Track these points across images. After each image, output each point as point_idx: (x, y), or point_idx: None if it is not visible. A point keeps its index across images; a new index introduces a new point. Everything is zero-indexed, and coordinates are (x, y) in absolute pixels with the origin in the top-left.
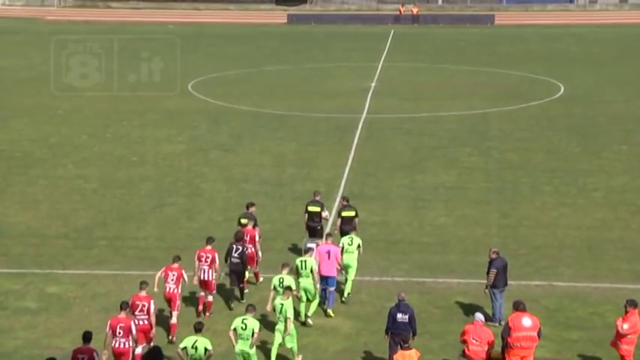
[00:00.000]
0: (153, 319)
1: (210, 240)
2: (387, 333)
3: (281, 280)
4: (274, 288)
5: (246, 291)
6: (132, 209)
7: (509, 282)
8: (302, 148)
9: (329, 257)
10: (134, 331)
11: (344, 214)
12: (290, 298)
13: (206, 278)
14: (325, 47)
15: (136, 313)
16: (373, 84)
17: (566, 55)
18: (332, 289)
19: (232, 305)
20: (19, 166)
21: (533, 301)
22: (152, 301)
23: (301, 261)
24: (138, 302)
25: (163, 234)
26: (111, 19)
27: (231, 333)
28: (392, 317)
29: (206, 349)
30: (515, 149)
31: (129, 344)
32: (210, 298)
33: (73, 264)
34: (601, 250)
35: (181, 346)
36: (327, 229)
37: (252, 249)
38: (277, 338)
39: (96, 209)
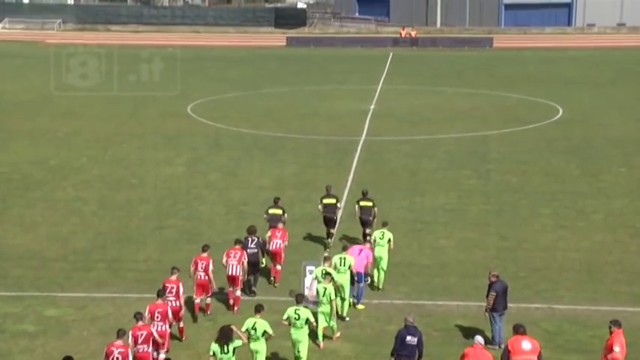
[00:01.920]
0: (182, 301)
1: (238, 241)
2: (392, 355)
3: (323, 272)
4: (316, 277)
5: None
6: (131, 231)
7: (508, 305)
8: (301, 170)
9: (359, 254)
10: (156, 336)
11: (362, 203)
12: (331, 282)
13: (235, 273)
14: (324, 70)
15: (166, 294)
16: (372, 106)
17: (565, 78)
18: (361, 284)
19: (247, 291)
20: (18, 189)
21: (533, 324)
22: (180, 284)
23: (340, 258)
24: (168, 284)
25: (163, 256)
26: (111, 42)
27: (242, 335)
28: (400, 339)
29: (265, 332)
30: (514, 172)
31: (150, 349)
32: (238, 292)
33: (71, 287)
34: (601, 273)
35: (243, 328)
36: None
37: (282, 244)
38: (321, 321)
39: (95, 231)
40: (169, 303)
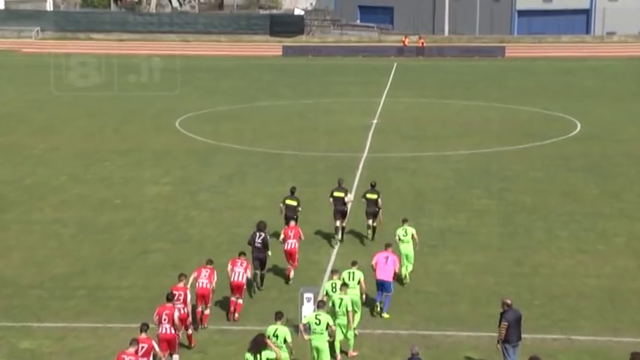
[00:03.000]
0: (189, 308)
1: (242, 254)
2: None
3: (333, 285)
4: (327, 293)
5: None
6: (114, 256)
7: (523, 336)
8: (298, 189)
9: (386, 262)
10: (157, 350)
11: (368, 196)
12: (347, 293)
13: (240, 280)
14: (323, 81)
15: (174, 301)
16: (375, 120)
17: (583, 90)
18: (388, 294)
19: (252, 293)
20: None
21: (550, 356)
22: (187, 291)
23: (349, 272)
24: (175, 292)
25: (148, 283)
26: (93, 51)
27: (276, 349)
28: None
29: (285, 340)
30: (529, 191)
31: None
32: (240, 300)
33: (48, 316)
34: (623, 301)
35: (267, 334)
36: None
37: (297, 244)
38: (338, 333)
39: (74, 256)
40: (177, 309)
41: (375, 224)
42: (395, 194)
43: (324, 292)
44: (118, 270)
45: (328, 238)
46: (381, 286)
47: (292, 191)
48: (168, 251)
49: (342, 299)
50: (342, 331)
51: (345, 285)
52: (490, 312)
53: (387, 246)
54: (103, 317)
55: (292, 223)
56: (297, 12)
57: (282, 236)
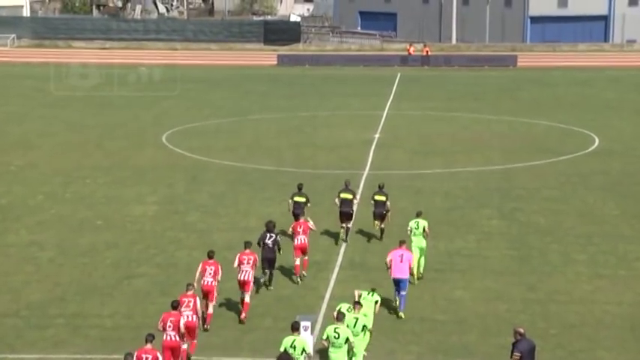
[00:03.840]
0: (199, 315)
1: (248, 244)
2: None
3: (349, 310)
4: (339, 312)
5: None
6: (95, 281)
7: None
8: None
9: (402, 260)
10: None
11: (377, 197)
12: (361, 312)
13: (247, 278)
14: (321, 93)
15: (183, 308)
16: (377, 135)
17: (601, 102)
18: (404, 292)
19: (259, 290)
20: None
21: None
22: (197, 299)
23: (362, 294)
24: (185, 299)
25: (132, 311)
26: (73, 60)
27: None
28: None
29: (304, 350)
30: (543, 211)
31: None
32: (247, 298)
33: (24, 347)
34: None
35: (281, 347)
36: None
37: (307, 239)
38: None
39: (52, 282)
40: (186, 317)
41: (383, 226)
42: (399, 214)
43: (338, 311)
44: (100, 296)
45: (327, 261)
46: (397, 284)
47: (300, 187)
48: (154, 276)
49: (356, 319)
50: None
51: (358, 304)
52: (501, 342)
53: (402, 243)
54: (83, 348)
55: (302, 218)
56: (293, 18)
57: (290, 230)
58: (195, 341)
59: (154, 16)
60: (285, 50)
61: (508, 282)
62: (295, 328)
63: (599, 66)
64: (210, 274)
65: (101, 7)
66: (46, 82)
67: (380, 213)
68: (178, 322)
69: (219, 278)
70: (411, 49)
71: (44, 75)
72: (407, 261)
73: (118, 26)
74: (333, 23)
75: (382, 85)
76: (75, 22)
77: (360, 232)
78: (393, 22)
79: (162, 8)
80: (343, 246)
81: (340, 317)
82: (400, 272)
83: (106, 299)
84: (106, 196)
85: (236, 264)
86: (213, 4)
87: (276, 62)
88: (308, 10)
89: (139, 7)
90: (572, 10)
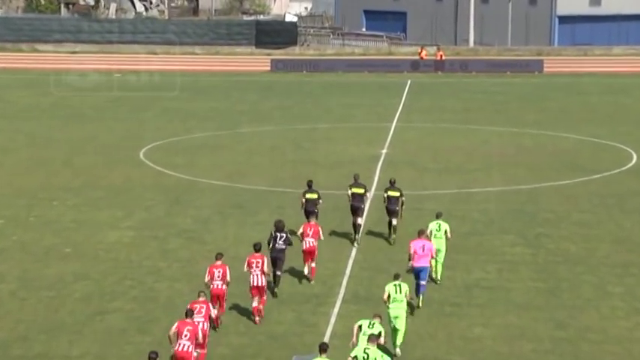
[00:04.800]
0: (228, 282)
1: (257, 246)
2: None
3: (371, 324)
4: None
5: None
6: (63, 318)
7: None
8: (291, 235)
9: (424, 250)
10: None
11: (390, 193)
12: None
13: (260, 284)
14: (321, 102)
15: (195, 314)
16: (384, 151)
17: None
18: (424, 282)
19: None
20: None
21: None
22: (210, 305)
23: (395, 285)
24: (196, 305)
25: (105, 351)
26: (39, 65)
27: None
28: None
29: None
30: (574, 237)
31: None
32: (264, 298)
33: None
34: None
35: None
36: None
37: (315, 242)
38: None
39: (14, 318)
40: (198, 324)
41: (395, 223)
42: (408, 239)
43: (358, 328)
44: (68, 335)
45: (327, 294)
46: (418, 274)
47: (309, 184)
48: (130, 312)
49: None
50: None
51: (374, 336)
52: None
53: (421, 233)
54: None
55: (313, 220)
56: (289, 18)
57: (300, 231)
58: (205, 351)
59: (131, 15)
60: (279, 54)
61: (534, 318)
62: (323, 349)
63: (637, 72)
64: (218, 277)
65: (70, 6)
66: (7, 90)
67: (393, 209)
68: (196, 331)
69: (229, 280)
70: (423, 53)
71: (4, 83)
72: (428, 251)
73: (89, 27)
74: (335, 24)
75: (390, 94)
76: (40, 23)
77: (366, 260)
78: (402, 22)
79: (140, 7)
80: (346, 277)
81: (373, 339)
82: (422, 261)
83: (75, 338)
84: (76, 220)
85: (246, 268)
86: (197, 2)
87: (269, 68)
88: (306, 8)
89: (113, 6)
90: (606, 8)
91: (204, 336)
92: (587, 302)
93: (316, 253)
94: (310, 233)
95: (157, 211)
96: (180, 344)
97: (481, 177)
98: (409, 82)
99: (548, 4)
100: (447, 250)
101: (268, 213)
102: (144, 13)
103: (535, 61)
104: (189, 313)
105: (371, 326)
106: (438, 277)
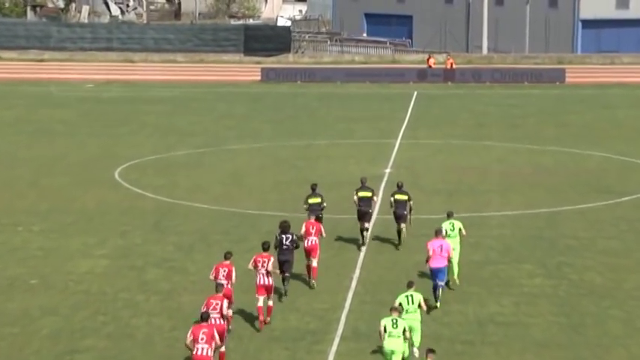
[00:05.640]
0: (232, 282)
1: (266, 244)
2: None
3: (394, 321)
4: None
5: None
6: (27, 357)
7: None
8: (274, 282)
9: (441, 251)
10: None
11: (397, 196)
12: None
13: (267, 283)
14: (317, 116)
15: (210, 311)
16: (388, 170)
17: None
18: (442, 283)
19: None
20: None
21: None
22: (226, 301)
23: (407, 296)
24: (212, 301)
25: None
26: (2, 75)
27: None
28: None
29: None
30: (599, 267)
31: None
32: (270, 302)
33: None
34: None
35: None
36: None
37: (317, 241)
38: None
39: None
40: (214, 321)
41: (403, 228)
42: (416, 270)
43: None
44: None
45: (324, 330)
46: (436, 274)
47: (314, 188)
48: (103, 350)
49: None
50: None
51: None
52: None
53: (438, 232)
54: None
55: (313, 218)
56: (282, 22)
57: (302, 229)
58: (224, 349)
59: (105, 19)
60: (270, 63)
61: (555, 357)
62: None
63: None
64: (223, 276)
65: (38, 9)
66: None
67: (401, 214)
68: (212, 332)
69: (234, 281)
70: (431, 61)
71: None
72: (446, 251)
73: (59, 32)
74: (332, 28)
75: (394, 107)
76: (4, 28)
77: (367, 291)
78: (407, 26)
79: (115, 10)
80: (345, 311)
81: (396, 309)
82: (439, 262)
83: None
84: (43, 247)
85: (251, 266)
86: (180, 4)
87: (259, 78)
88: (300, 11)
89: (85, 9)
90: (634, 12)
91: (221, 332)
92: (615, 340)
93: (318, 251)
94: (313, 231)
95: (134, 237)
96: (197, 348)
97: (496, 199)
98: (415, 93)
99: (571, 6)
100: (461, 251)
101: (258, 239)
102: (120, 17)
103: (556, 70)
104: (204, 317)
105: (395, 326)
106: (455, 278)
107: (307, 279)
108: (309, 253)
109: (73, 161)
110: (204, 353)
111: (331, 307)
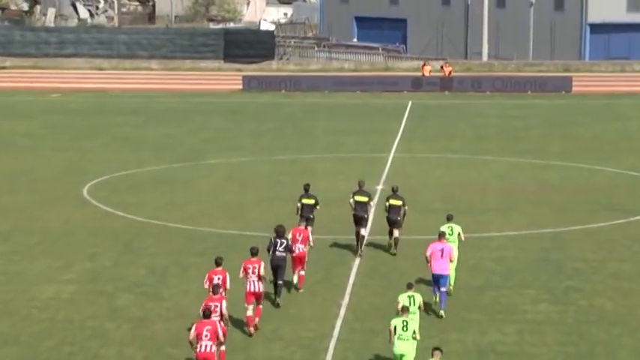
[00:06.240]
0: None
1: (255, 249)
2: None
3: (405, 323)
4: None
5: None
6: None
7: None
8: (267, 288)
9: (442, 255)
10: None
11: (392, 201)
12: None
13: (257, 290)
14: (303, 128)
15: (213, 284)
16: (380, 187)
17: None
18: (444, 289)
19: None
20: None
21: None
22: (224, 301)
23: (409, 296)
24: (211, 303)
25: None
26: None
27: None
28: None
29: None
30: (610, 291)
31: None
32: (260, 305)
33: None
34: None
35: None
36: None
37: (305, 248)
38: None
39: None
40: (215, 322)
41: (397, 235)
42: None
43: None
44: None
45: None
46: (437, 280)
47: (306, 188)
48: None
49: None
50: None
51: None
52: None
53: (441, 235)
54: None
55: (302, 225)
56: (265, 26)
57: (289, 237)
58: (224, 348)
59: (73, 23)
60: (253, 70)
61: None
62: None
63: None
64: (218, 284)
65: (0, 12)
66: None
67: (395, 220)
68: (216, 330)
69: (228, 288)
70: (427, 69)
71: None
72: (447, 255)
73: (22, 37)
74: (320, 33)
75: (387, 118)
76: None
77: (357, 318)
78: (401, 31)
79: (83, 12)
80: (333, 340)
81: (405, 310)
82: (441, 268)
83: None
84: (4, 271)
85: (241, 274)
86: (154, 6)
87: (240, 86)
88: (285, 15)
89: (51, 11)
90: None
91: (223, 333)
92: None
93: (306, 259)
94: (300, 239)
95: (104, 260)
96: (201, 345)
97: (497, 219)
98: (410, 103)
99: (578, 9)
100: (459, 256)
101: (238, 262)
102: (88, 20)
103: (562, 78)
104: (207, 313)
105: (405, 328)
106: (451, 284)
107: (295, 289)
108: (297, 261)
109: (38, 177)
110: (208, 350)
111: (318, 336)
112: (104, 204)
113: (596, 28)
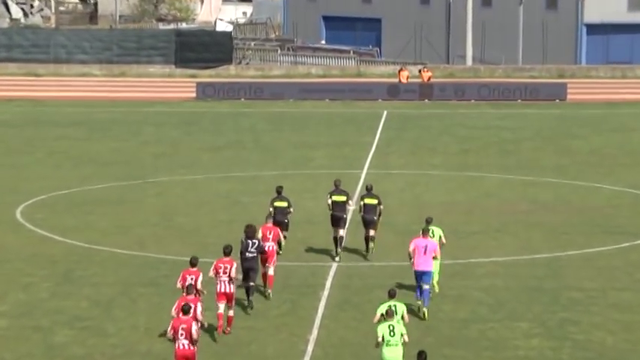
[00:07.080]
0: (201, 323)
1: (228, 248)
2: None
3: (391, 328)
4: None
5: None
6: None
7: None
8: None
9: (425, 252)
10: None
11: (366, 200)
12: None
13: (228, 291)
14: (266, 141)
15: (187, 284)
16: (352, 207)
17: None
18: (427, 287)
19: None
20: None
21: None
22: (199, 303)
23: (390, 306)
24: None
25: None
26: None
27: None
28: None
29: None
30: (610, 324)
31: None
32: (231, 312)
33: None
34: None
35: None
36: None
37: (274, 246)
38: None
39: None
40: (190, 322)
41: (373, 234)
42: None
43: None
44: None
45: None
46: (420, 277)
47: (279, 191)
48: None
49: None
50: None
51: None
52: None
53: (425, 232)
54: None
55: (270, 223)
56: (221, 27)
57: (259, 235)
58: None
59: (5, 23)
60: (208, 76)
61: None
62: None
63: None
64: (190, 281)
65: None
66: None
67: (371, 219)
68: (190, 328)
69: (200, 288)
70: (404, 75)
71: None
72: (431, 252)
73: None
74: (284, 34)
75: (360, 130)
76: None
77: (327, 355)
78: (375, 32)
79: (16, 11)
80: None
81: (390, 313)
82: (424, 265)
83: None
84: None
85: (212, 273)
86: (96, 5)
87: (194, 95)
88: (244, 14)
89: None
90: None
91: (197, 333)
92: None
93: (275, 257)
94: (270, 237)
95: (40, 291)
96: (178, 344)
97: (484, 243)
98: (385, 113)
99: (573, 8)
100: (441, 260)
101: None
102: (22, 21)
103: (556, 85)
104: (186, 308)
105: (392, 334)
106: (435, 284)
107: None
108: (265, 259)
109: None
110: (186, 347)
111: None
112: (40, 227)
113: (594, 29)
